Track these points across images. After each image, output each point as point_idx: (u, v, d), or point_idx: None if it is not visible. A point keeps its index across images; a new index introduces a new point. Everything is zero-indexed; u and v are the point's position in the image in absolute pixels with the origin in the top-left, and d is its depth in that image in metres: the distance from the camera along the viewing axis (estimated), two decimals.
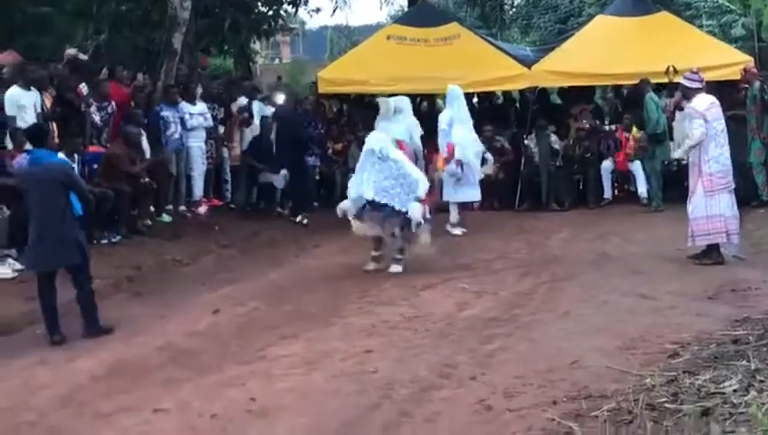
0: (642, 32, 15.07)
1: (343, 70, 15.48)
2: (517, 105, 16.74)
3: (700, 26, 27.76)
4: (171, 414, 5.54)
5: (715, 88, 14.69)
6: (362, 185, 9.46)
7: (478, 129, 13.05)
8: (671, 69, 13.50)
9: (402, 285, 9.06)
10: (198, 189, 13.14)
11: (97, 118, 11.66)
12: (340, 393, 5.75)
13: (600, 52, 14.91)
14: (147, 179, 11.59)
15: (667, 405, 4.94)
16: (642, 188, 14.20)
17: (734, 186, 9.50)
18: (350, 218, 9.62)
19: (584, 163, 14.70)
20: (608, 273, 9.25)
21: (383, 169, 9.34)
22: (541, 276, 9.22)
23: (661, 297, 8.01)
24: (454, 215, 12.16)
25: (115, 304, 8.71)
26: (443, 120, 11.98)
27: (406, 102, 10.31)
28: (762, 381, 5.06)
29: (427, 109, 16.57)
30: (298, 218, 13.39)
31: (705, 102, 9.48)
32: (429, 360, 6.37)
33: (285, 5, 22.05)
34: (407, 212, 9.32)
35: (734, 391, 4.96)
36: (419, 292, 8.73)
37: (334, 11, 25.63)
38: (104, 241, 10.79)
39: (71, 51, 12.45)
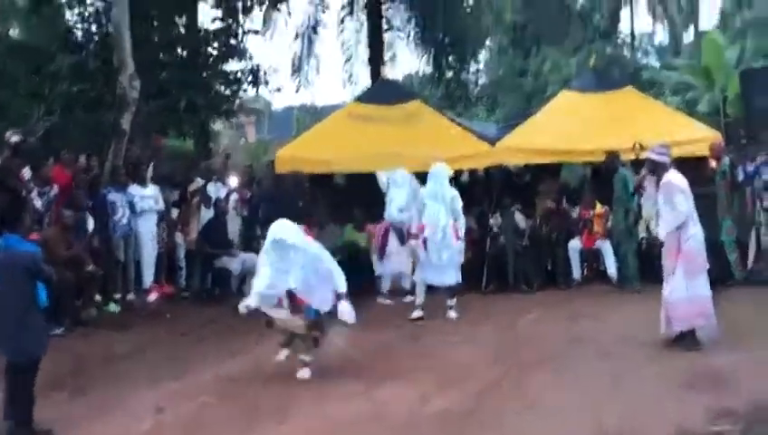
0: (607, 107, 14.79)
1: (302, 148, 15.00)
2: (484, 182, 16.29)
3: (665, 102, 28.02)
4: None
5: (682, 164, 14.69)
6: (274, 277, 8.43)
7: None
8: (637, 145, 13.14)
9: (361, 376, 8.46)
10: (148, 276, 12.55)
11: (39, 203, 11.12)
12: None
13: (564, 127, 14.57)
14: (92, 266, 11.00)
15: None
16: (612, 268, 13.75)
17: (708, 265, 9.05)
18: (263, 310, 8.54)
19: (551, 243, 14.23)
20: (579, 357, 8.72)
21: (290, 259, 8.40)
22: (509, 362, 8.67)
23: (637, 384, 7.49)
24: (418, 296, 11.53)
25: (53, 403, 8.00)
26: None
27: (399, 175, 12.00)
28: None
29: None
30: None
31: (680, 178, 9.09)
32: None
33: (245, 85, 21.89)
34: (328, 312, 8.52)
35: None
36: (379, 384, 8.14)
37: (297, 90, 25.37)
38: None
39: (13, 136, 11.92)
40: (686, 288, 8.81)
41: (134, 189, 12.41)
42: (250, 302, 8.42)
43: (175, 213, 13.31)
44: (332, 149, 14.47)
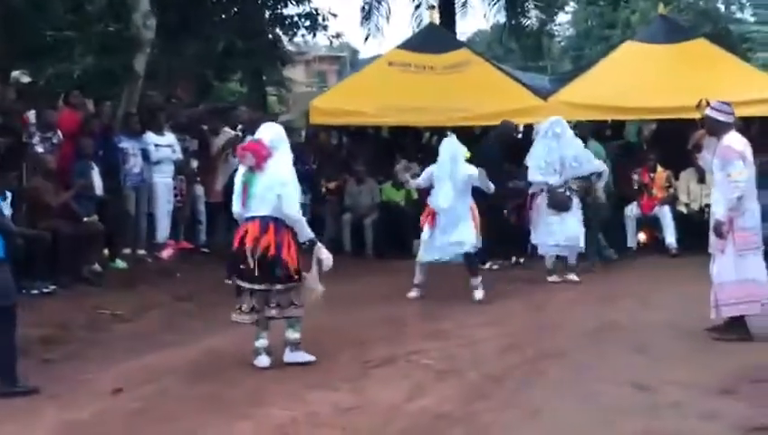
0: (674, 61, 13.44)
1: (339, 99, 13.99)
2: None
3: (754, 60, 26.13)
4: None
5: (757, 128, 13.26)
6: None
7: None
8: (704, 102, 11.67)
9: (356, 359, 7.48)
10: (163, 231, 11.73)
11: (41, 149, 10.33)
12: None
13: (625, 82, 13.28)
14: (94, 217, 10.23)
15: None
16: (671, 237, 12.50)
17: (763, 247, 7.80)
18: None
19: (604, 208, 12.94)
20: (605, 350, 7.55)
21: None
22: (525, 351, 7.57)
23: (662, 389, 6.34)
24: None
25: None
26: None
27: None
28: None
29: (436, 143, 15.06)
30: None
31: (741, 141, 7.82)
32: None
33: (302, 30, 20.88)
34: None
35: None
36: (370, 370, 7.15)
37: (366, 38, 23.86)
38: (35, 291, 9.41)
39: (22, 76, 11.17)
40: (734, 269, 7.61)
41: (149, 137, 11.57)
42: None
43: (194, 164, 12.38)
44: (369, 100, 13.48)
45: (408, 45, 14.97)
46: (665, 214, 12.69)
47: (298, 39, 22.27)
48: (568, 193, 10.67)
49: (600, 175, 11.25)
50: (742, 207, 7.57)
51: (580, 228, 10.76)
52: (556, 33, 36.03)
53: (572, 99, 13.22)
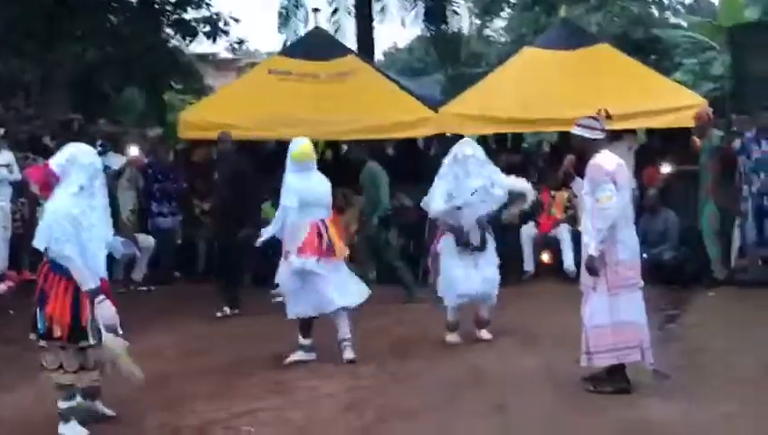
0: (575, 68, 12.38)
1: (212, 111, 12.75)
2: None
3: (680, 64, 25.50)
4: None
5: (663, 137, 12.36)
6: None
7: None
8: (603, 112, 10.68)
9: (164, 427, 6.26)
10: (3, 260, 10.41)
11: None
12: None
13: (522, 91, 12.22)
14: None
15: None
16: (569, 260, 11.45)
17: (642, 282, 6.74)
18: None
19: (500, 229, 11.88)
20: (459, 410, 6.42)
21: None
22: (366, 414, 6.39)
23: None
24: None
25: None
26: None
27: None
28: None
29: (331, 158, 13.97)
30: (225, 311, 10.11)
31: (611, 160, 6.76)
32: None
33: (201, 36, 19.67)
34: None
35: None
36: None
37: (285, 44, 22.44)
38: None
39: None
40: (609, 311, 6.55)
41: None
42: None
43: None
44: (245, 112, 12.28)
45: (290, 51, 13.84)
46: (564, 235, 11.67)
47: (225, 45, 21.19)
48: (481, 231, 8.52)
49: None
50: (614, 238, 6.51)
51: (497, 271, 8.66)
52: (491, 38, 35.17)
53: (465, 110, 12.16)
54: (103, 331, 6.01)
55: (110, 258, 6.49)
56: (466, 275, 8.38)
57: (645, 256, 9.62)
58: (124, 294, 10.11)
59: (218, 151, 10.89)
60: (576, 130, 6.84)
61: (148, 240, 11.66)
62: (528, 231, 11.90)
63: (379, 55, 27.51)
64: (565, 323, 8.68)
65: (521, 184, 9.09)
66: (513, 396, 6.66)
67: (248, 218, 9.91)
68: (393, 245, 11.27)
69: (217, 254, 10.58)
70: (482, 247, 8.45)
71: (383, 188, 10.38)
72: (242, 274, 10.79)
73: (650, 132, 12.73)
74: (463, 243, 8.39)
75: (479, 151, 8.60)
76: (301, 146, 7.97)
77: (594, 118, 6.85)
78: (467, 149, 8.51)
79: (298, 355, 7.88)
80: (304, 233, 7.72)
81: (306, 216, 7.77)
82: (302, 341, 7.93)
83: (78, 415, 6.09)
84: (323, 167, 13.69)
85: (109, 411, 6.37)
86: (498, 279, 8.61)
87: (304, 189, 7.80)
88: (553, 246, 12.02)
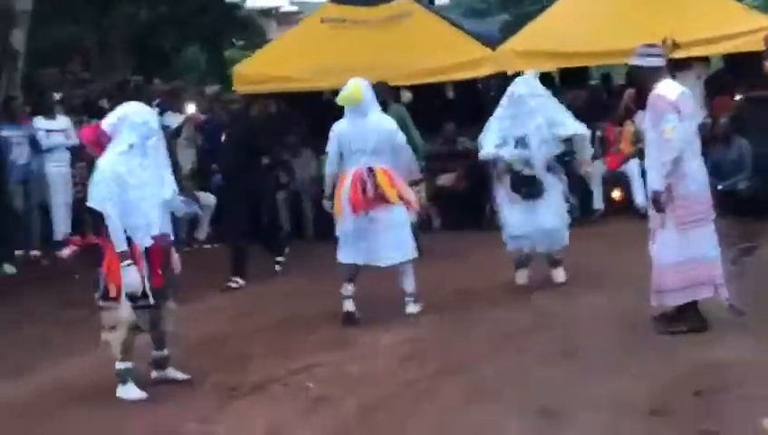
0: None
1: (266, 63, 12.59)
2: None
3: None
4: None
5: (732, 63, 11.81)
6: None
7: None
8: (669, 41, 10.15)
9: (223, 384, 6.14)
10: (60, 226, 10.42)
11: None
12: None
13: (584, 23, 11.76)
14: None
15: None
16: (640, 196, 11.03)
17: (713, 215, 6.38)
18: None
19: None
20: (523, 359, 6.18)
21: None
22: (425, 366, 6.20)
23: (576, 414, 4.99)
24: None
25: None
26: None
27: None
28: None
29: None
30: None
31: (674, 90, 6.38)
32: None
33: None
34: None
35: None
36: (232, 402, 5.83)
37: None
38: None
39: None
40: (678, 247, 6.21)
41: (39, 122, 10.24)
42: None
43: None
44: (300, 63, 12.08)
45: None
46: (633, 170, 11.23)
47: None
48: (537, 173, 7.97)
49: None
50: (680, 171, 6.14)
51: (560, 218, 8.15)
52: None
53: (525, 46, 11.76)
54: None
55: (174, 218, 6.48)
56: (524, 220, 7.95)
57: (720, 187, 9.31)
58: (188, 253, 10.04)
59: (229, 112, 10.64)
60: (634, 61, 6.49)
61: (208, 198, 11.51)
62: (596, 169, 11.49)
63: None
64: (636, 261, 8.35)
65: (577, 127, 8.27)
66: (583, 340, 6.40)
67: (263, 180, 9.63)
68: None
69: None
70: (537, 193, 7.95)
71: (413, 130, 9.72)
72: (275, 231, 10.54)
73: (725, 60, 12.16)
74: (517, 188, 7.96)
75: (537, 89, 8.09)
76: (346, 89, 7.54)
77: (652, 45, 6.46)
78: (522, 87, 8.02)
79: (348, 305, 7.47)
80: (348, 184, 7.37)
81: (352, 164, 7.39)
82: (346, 289, 7.49)
83: (135, 377, 6.02)
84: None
85: (181, 376, 6.25)
86: (562, 225, 8.14)
87: (349, 135, 7.43)
88: (623, 182, 11.64)
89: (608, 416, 4.95)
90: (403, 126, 9.31)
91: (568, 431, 4.86)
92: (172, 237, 6.22)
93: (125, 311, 5.87)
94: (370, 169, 7.33)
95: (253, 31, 21.92)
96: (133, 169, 5.94)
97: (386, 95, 9.36)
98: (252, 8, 24.42)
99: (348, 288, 7.45)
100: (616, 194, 11.89)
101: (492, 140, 8.01)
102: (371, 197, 7.29)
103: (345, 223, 7.42)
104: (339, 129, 7.52)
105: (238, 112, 12.80)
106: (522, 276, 8.15)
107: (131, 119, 6.04)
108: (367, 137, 7.39)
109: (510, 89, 8.15)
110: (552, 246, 8.11)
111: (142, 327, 6.00)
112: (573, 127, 8.14)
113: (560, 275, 8.11)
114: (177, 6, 17.63)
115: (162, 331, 6.16)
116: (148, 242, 5.91)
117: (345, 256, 7.48)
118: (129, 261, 5.79)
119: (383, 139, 7.43)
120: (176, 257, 6.19)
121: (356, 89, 7.47)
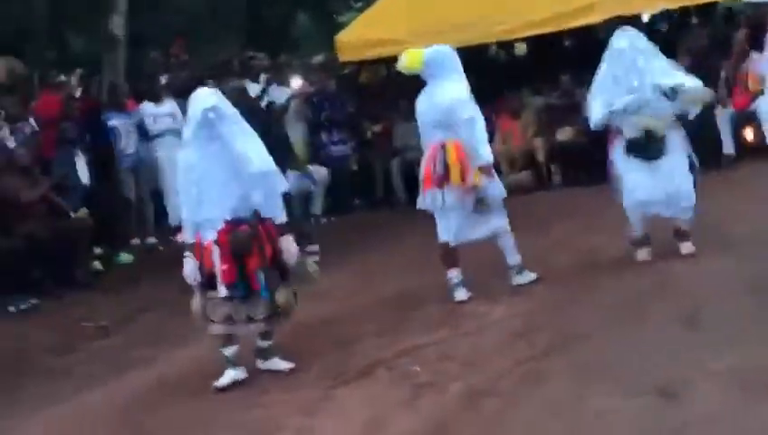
0: None
1: (367, 29, 12.28)
2: None
3: None
4: None
5: None
6: None
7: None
8: None
9: (329, 370, 5.98)
10: (176, 212, 10.38)
11: (11, 144, 9.16)
12: None
13: None
14: (83, 211, 9.04)
15: None
16: None
17: None
18: None
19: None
20: (641, 329, 5.74)
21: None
22: (535, 342, 5.85)
23: (697, 397, 4.56)
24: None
25: None
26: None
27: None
28: None
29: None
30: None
31: None
32: None
33: None
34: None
35: None
36: (337, 389, 5.65)
37: None
38: (12, 309, 8.33)
39: None
40: None
41: (146, 108, 10.24)
42: None
43: None
44: (400, 25, 11.71)
45: None
46: (764, 107, 10.42)
47: None
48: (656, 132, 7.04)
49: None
50: None
51: (686, 179, 7.19)
52: None
53: None
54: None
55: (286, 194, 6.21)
56: (645, 183, 7.07)
57: None
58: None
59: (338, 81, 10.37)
60: None
61: (321, 171, 11.34)
62: (722, 110, 10.76)
63: None
64: None
65: (687, 80, 7.21)
66: (706, 306, 5.89)
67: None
68: None
69: None
70: (655, 155, 7.09)
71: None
72: None
73: None
74: (631, 151, 7.14)
75: (641, 42, 7.19)
76: (402, 57, 6.93)
77: None
78: (622, 41, 7.12)
79: (461, 293, 7.02)
80: (424, 160, 6.93)
81: (429, 138, 6.89)
82: (450, 274, 7.06)
83: (234, 365, 5.98)
84: (494, 68, 13.23)
85: (285, 365, 6.11)
86: (688, 190, 7.16)
87: (420, 106, 6.95)
88: (755, 121, 10.83)
89: (736, 395, 4.50)
90: None
91: (692, 414, 4.42)
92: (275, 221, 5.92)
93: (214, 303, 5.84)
94: (443, 146, 6.77)
95: None
96: (191, 164, 5.88)
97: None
98: None
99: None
100: (748, 135, 11.11)
101: (598, 105, 7.17)
102: (438, 176, 6.76)
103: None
104: (418, 99, 7.03)
105: (347, 80, 12.68)
106: (643, 253, 7.33)
107: (191, 109, 5.93)
108: (433, 109, 6.82)
109: (611, 44, 7.28)
110: (679, 213, 7.24)
111: (234, 318, 5.86)
112: (684, 80, 7.21)
113: (687, 246, 7.23)
114: None
115: (263, 321, 6.00)
116: (212, 236, 5.78)
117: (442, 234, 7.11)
118: (187, 253, 5.86)
119: (444, 111, 6.78)
120: (287, 241, 5.93)
121: (412, 56, 6.85)
